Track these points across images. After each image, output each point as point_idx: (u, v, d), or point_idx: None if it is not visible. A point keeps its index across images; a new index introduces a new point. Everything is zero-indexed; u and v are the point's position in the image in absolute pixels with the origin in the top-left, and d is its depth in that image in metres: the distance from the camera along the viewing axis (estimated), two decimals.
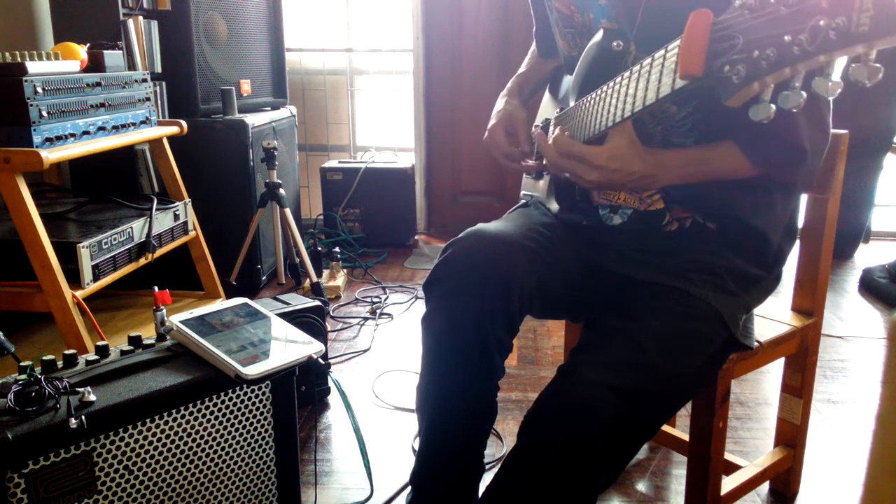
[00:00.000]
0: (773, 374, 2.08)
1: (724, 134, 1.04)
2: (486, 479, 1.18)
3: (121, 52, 2.02)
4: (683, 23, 0.73)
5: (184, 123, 2.16)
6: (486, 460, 1.26)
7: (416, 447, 1.53)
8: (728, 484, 1.31)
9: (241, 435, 1.13)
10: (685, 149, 1.07)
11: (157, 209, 1.98)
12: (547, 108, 1.37)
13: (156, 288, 1.38)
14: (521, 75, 1.38)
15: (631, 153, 0.99)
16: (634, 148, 1.00)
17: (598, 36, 1.06)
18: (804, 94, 0.64)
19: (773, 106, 0.66)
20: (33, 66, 1.62)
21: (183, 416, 1.05)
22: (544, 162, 1.12)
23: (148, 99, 2.01)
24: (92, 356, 1.08)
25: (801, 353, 1.38)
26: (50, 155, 1.56)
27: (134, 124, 1.95)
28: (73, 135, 1.70)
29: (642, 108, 0.83)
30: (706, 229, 1.12)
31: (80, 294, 1.65)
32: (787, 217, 1.15)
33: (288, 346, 1.12)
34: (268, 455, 1.17)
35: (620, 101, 0.89)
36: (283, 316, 1.27)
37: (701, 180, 1.06)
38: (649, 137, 1.09)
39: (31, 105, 1.58)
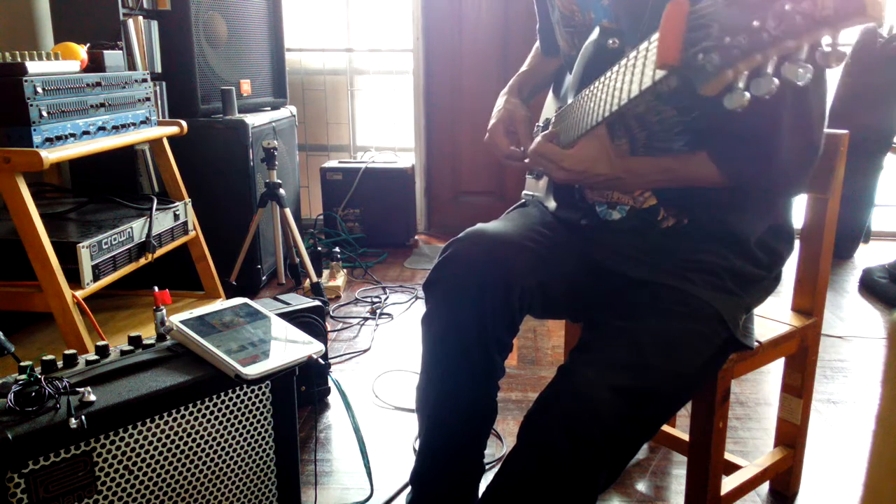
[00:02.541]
0: (773, 374, 2.08)
1: (709, 139, 1.04)
2: (487, 479, 1.18)
3: (121, 52, 2.03)
4: None
5: (184, 123, 2.16)
6: (486, 460, 1.26)
7: (417, 447, 1.53)
8: (728, 484, 1.31)
9: (241, 435, 1.13)
10: (656, 158, 1.08)
11: (157, 209, 1.98)
12: (549, 107, 1.37)
13: (156, 288, 1.38)
14: (522, 74, 1.38)
15: (599, 156, 1.03)
16: (603, 151, 1.03)
17: (595, 34, 1.06)
18: (776, 80, 0.64)
19: (747, 94, 0.66)
20: (33, 66, 1.62)
21: (183, 416, 1.05)
22: None
23: (148, 99, 2.01)
24: (92, 356, 1.08)
25: (801, 353, 1.38)
26: (50, 155, 1.56)
27: (134, 124, 1.95)
28: (73, 135, 1.70)
29: (628, 101, 0.83)
30: (703, 227, 1.12)
31: (80, 294, 1.65)
32: (772, 218, 1.15)
33: (288, 346, 1.12)
34: (268, 455, 1.17)
35: (609, 96, 0.89)
36: (283, 316, 1.27)
37: (670, 186, 1.10)
38: (633, 141, 1.10)
39: (31, 105, 1.58)
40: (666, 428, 1.55)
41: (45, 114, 1.61)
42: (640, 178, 1.07)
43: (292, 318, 1.42)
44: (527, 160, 1.25)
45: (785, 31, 0.60)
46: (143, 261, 1.90)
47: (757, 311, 1.23)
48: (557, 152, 1.06)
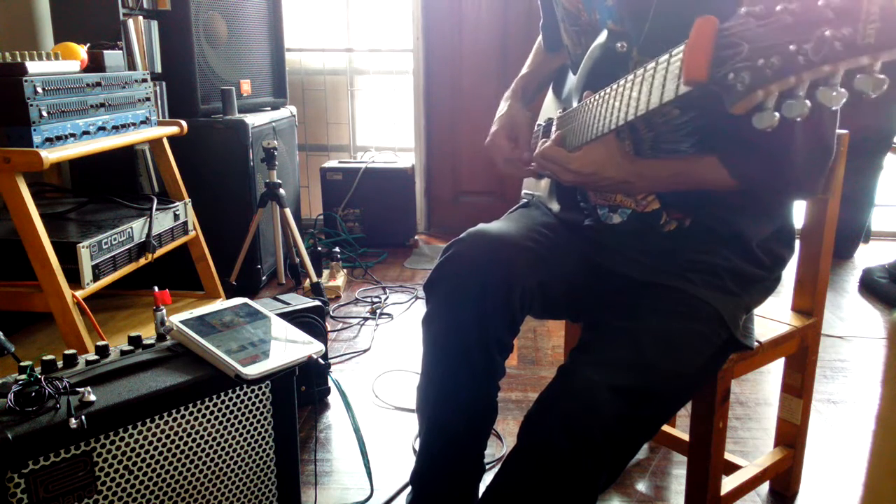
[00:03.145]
0: (773, 374, 2.08)
1: (719, 142, 1.04)
2: (487, 479, 1.18)
3: (121, 52, 2.03)
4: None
5: (184, 123, 2.16)
6: (486, 460, 1.26)
7: (417, 447, 1.53)
8: (728, 484, 1.31)
9: (241, 435, 1.13)
10: (666, 160, 1.08)
11: (157, 209, 1.98)
12: (549, 107, 1.37)
13: (156, 288, 1.38)
14: (525, 76, 1.38)
15: (608, 159, 1.03)
16: (611, 155, 1.03)
17: (602, 37, 1.06)
18: (808, 103, 0.63)
19: (777, 114, 0.66)
20: (33, 66, 1.62)
21: (183, 416, 1.05)
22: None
23: (148, 99, 2.01)
24: (92, 356, 1.08)
25: (801, 353, 1.38)
26: (50, 155, 1.56)
27: (134, 124, 1.95)
28: (73, 135, 1.70)
29: (646, 111, 0.83)
30: (705, 229, 1.12)
31: (80, 294, 1.65)
32: (777, 221, 1.15)
33: (288, 346, 1.12)
34: (268, 455, 1.17)
35: (623, 105, 0.89)
36: (283, 316, 1.27)
37: (680, 190, 1.09)
38: (639, 142, 1.10)
39: (31, 105, 1.58)
40: (666, 428, 1.55)
41: (45, 114, 1.61)
42: (649, 181, 1.06)
43: (292, 318, 1.42)
44: (530, 166, 1.25)
45: (823, 57, 0.60)
46: (143, 261, 1.90)
47: (757, 311, 1.23)
48: (565, 155, 1.05)
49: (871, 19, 0.57)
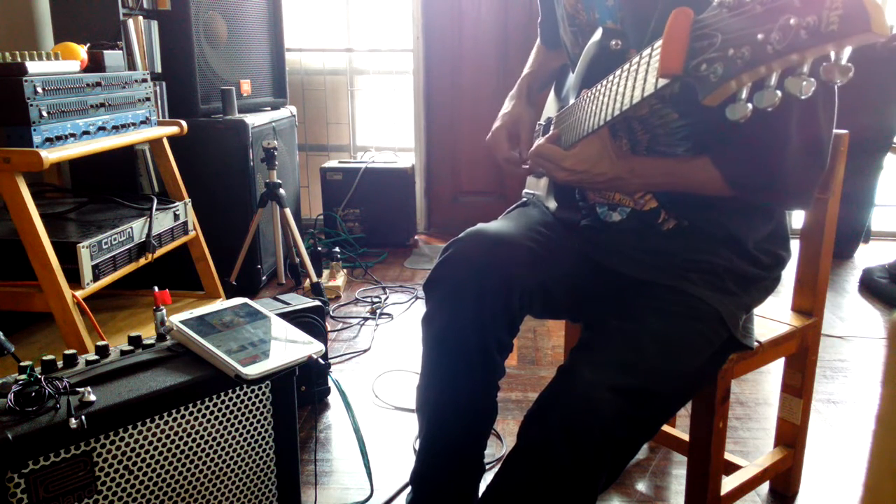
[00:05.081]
0: (773, 374, 2.08)
1: (714, 147, 1.04)
2: (487, 479, 1.18)
3: (121, 52, 2.03)
4: None
5: (184, 123, 2.16)
6: (486, 460, 1.26)
7: (417, 447, 1.53)
8: (728, 484, 1.31)
9: (241, 435, 1.13)
10: (660, 158, 1.08)
11: (157, 209, 1.98)
12: (550, 107, 1.37)
13: (156, 288, 1.38)
14: (528, 75, 1.38)
15: (600, 156, 1.03)
16: (605, 151, 1.03)
17: (597, 35, 1.06)
18: (779, 93, 0.64)
19: (750, 105, 0.66)
20: (33, 66, 1.62)
21: (183, 416, 1.05)
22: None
23: (148, 99, 2.01)
24: (92, 356, 1.08)
25: (801, 353, 1.38)
26: (50, 155, 1.56)
27: (134, 124, 1.95)
28: (73, 135, 1.70)
29: (630, 106, 0.83)
30: (703, 230, 1.12)
31: (80, 294, 1.65)
32: (773, 223, 1.15)
33: (288, 346, 1.12)
34: (268, 455, 1.17)
35: (611, 100, 0.89)
36: (283, 316, 1.27)
37: (673, 190, 1.09)
38: (635, 143, 1.10)
39: (31, 105, 1.58)
40: (666, 428, 1.55)
41: (45, 114, 1.61)
42: (641, 178, 1.07)
43: (292, 318, 1.42)
44: (526, 165, 1.25)
45: (789, 46, 0.60)
46: (143, 261, 1.90)
47: (757, 311, 1.23)
48: (558, 153, 1.06)
49: (834, 6, 0.57)
